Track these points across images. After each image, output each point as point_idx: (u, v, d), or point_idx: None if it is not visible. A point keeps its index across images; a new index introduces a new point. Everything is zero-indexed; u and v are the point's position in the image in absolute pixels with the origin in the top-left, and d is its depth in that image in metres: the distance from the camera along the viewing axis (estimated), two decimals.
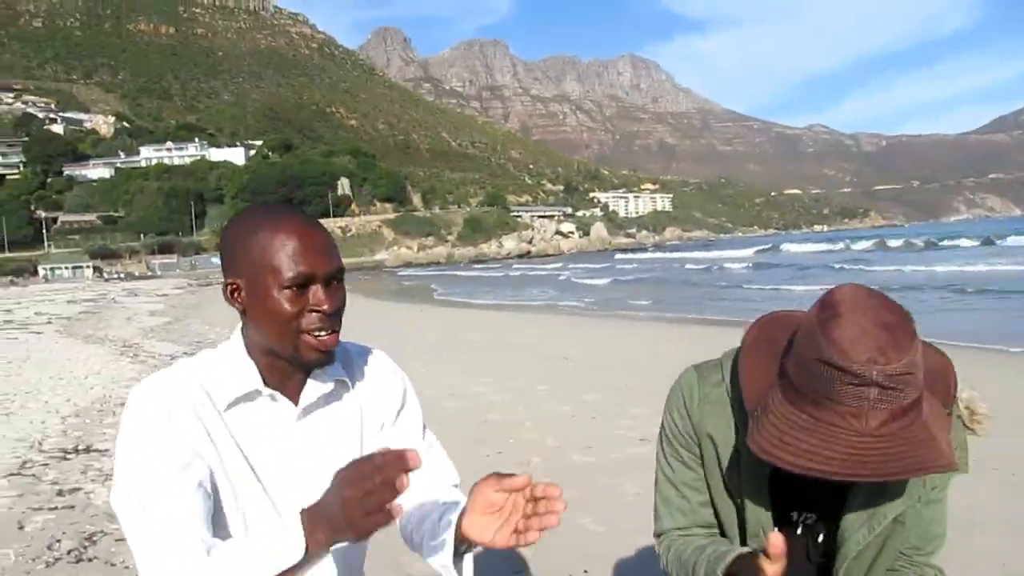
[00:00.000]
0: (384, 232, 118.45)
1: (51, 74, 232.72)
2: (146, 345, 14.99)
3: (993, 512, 4.06)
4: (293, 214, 1.13)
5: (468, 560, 1.11)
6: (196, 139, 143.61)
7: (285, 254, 1.08)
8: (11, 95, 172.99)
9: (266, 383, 1.15)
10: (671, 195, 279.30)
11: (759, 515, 1.23)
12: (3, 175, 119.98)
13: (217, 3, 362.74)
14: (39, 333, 19.00)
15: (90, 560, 3.86)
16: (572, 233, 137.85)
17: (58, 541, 4.11)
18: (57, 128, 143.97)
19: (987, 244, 55.42)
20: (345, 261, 1.16)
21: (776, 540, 1.04)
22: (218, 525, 1.08)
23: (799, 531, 1.25)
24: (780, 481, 1.19)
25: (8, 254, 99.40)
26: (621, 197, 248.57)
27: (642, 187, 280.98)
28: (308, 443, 1.18)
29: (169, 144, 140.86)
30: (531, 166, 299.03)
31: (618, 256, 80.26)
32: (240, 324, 1.18)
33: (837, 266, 38.37)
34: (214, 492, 1.09)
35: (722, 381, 1.24)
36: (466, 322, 18.50)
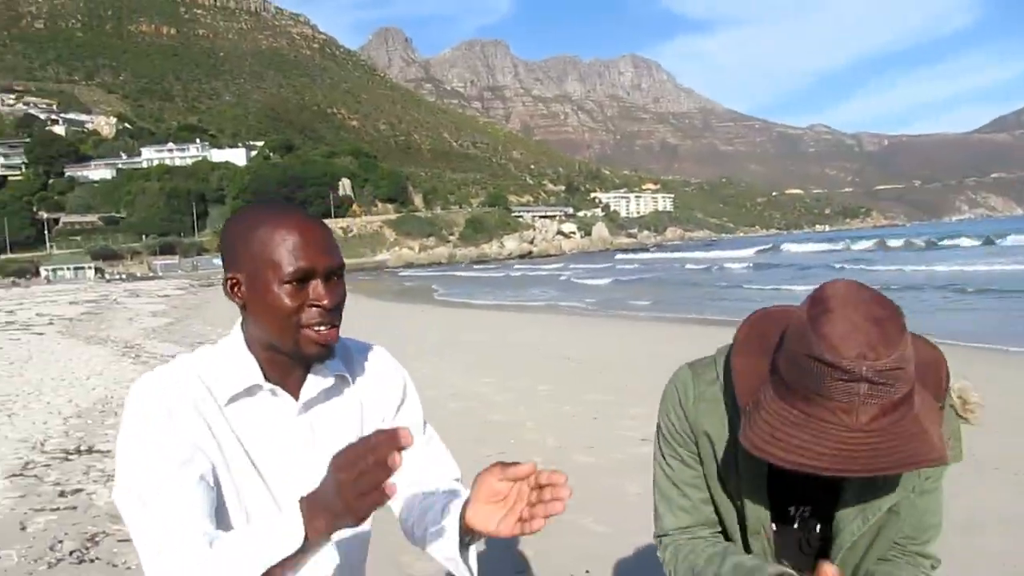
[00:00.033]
0: (385, 232, 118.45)
1: (53, 75, 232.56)
2: (148, 346, 15.03)
3: (994, 512, 4.06)
4: (294, 210, 1.14)
5: (473, 551, 1.10)
6: (197, 140, 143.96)
7: (285, 249, 1.08)
8: (13, 96, 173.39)
9: (267, 378, 1.15)
10: (672, 195, 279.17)
11: (759, 512, 1.23)
12: (5, 176, 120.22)
13: (218, 4, 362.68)
14: (41, 334, 19.04)
15: (92, 561, 3.87)
16: (573, 233, 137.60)
17: (60, 542, 4.11)
18: (59, 129, 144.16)
19: (987, 244, 55.40)
20: (346, 262, 1.16)
21: (828, 571, 1.05)
22: (220, 520, 1.08)
23: (796, 525, 1.25)
24: (777, 476, 1.19)
25: (10, 255, 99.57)
26: (622, 197, 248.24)
27: (643, 187, 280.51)
28: (309, 438, 1.18)
29: (171, 145, 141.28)
30: (532, 166, 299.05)
31: (619, 256, 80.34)
32: (240, 319, 1.18)
33: (838, 266, 38.30)
34: (216, 486, 1.08)
35: (716, 379, 1.24)
36: (467, 322, 18.52)
